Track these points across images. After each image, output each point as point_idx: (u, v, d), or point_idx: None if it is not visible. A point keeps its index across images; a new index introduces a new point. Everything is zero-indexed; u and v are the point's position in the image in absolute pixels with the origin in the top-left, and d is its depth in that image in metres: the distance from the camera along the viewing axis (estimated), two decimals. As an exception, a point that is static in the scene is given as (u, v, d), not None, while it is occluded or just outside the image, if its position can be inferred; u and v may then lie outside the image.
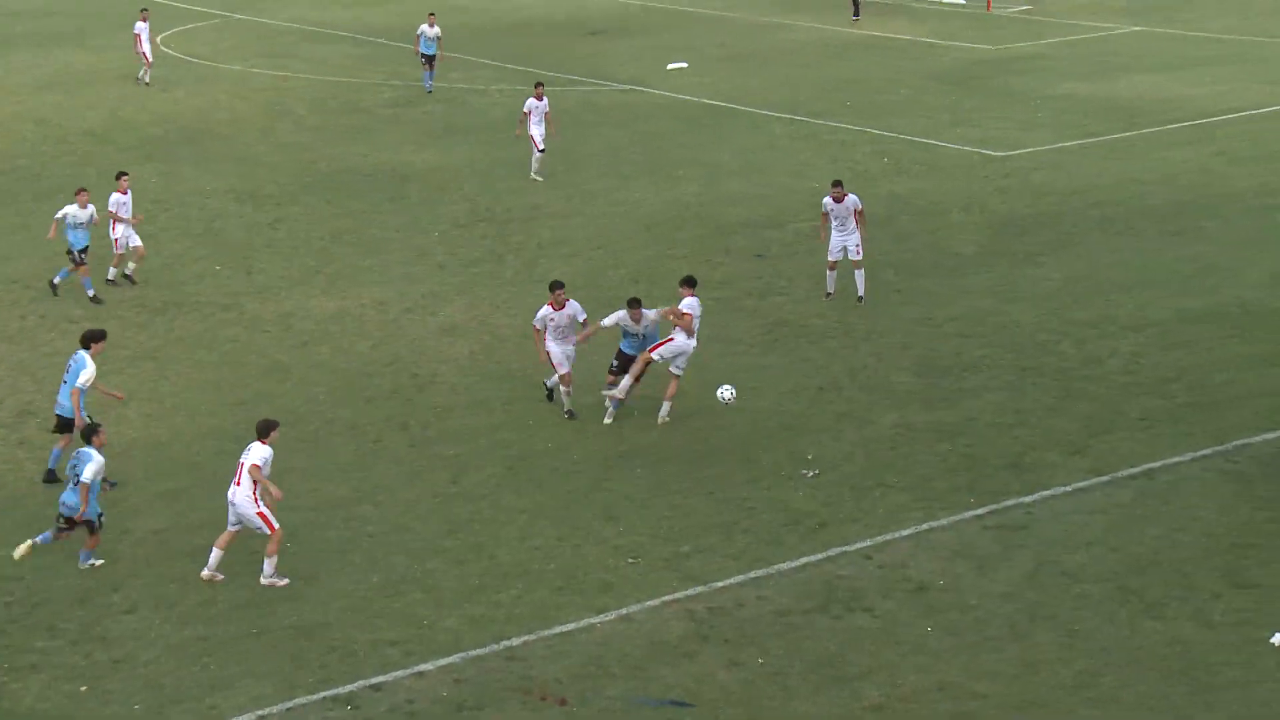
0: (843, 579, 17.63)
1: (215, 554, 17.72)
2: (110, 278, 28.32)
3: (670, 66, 49.24)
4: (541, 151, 35.27)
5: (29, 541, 17.98)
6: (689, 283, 22.59)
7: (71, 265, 27.52)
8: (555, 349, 22.13)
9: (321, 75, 47.86)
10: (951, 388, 23.09)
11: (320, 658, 16.27)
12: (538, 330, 22.24)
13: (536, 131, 35.18)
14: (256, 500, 17.41)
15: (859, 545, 18.40)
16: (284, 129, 41.07)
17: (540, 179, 35.21)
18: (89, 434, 17.98)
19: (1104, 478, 19.99)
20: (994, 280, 27.98)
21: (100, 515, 17.98)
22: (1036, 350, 24.49)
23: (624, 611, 17.06)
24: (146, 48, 46.21)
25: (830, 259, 26.96)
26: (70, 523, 17.83)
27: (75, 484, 17.66)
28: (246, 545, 18.15)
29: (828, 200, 26.93)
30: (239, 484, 17.47)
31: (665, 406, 22.03)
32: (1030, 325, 25.57)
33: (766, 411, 22.42)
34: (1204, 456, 20.50)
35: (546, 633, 16.68)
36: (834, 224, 26.87)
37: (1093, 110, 41.33)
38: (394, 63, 49.38)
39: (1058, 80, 45.53)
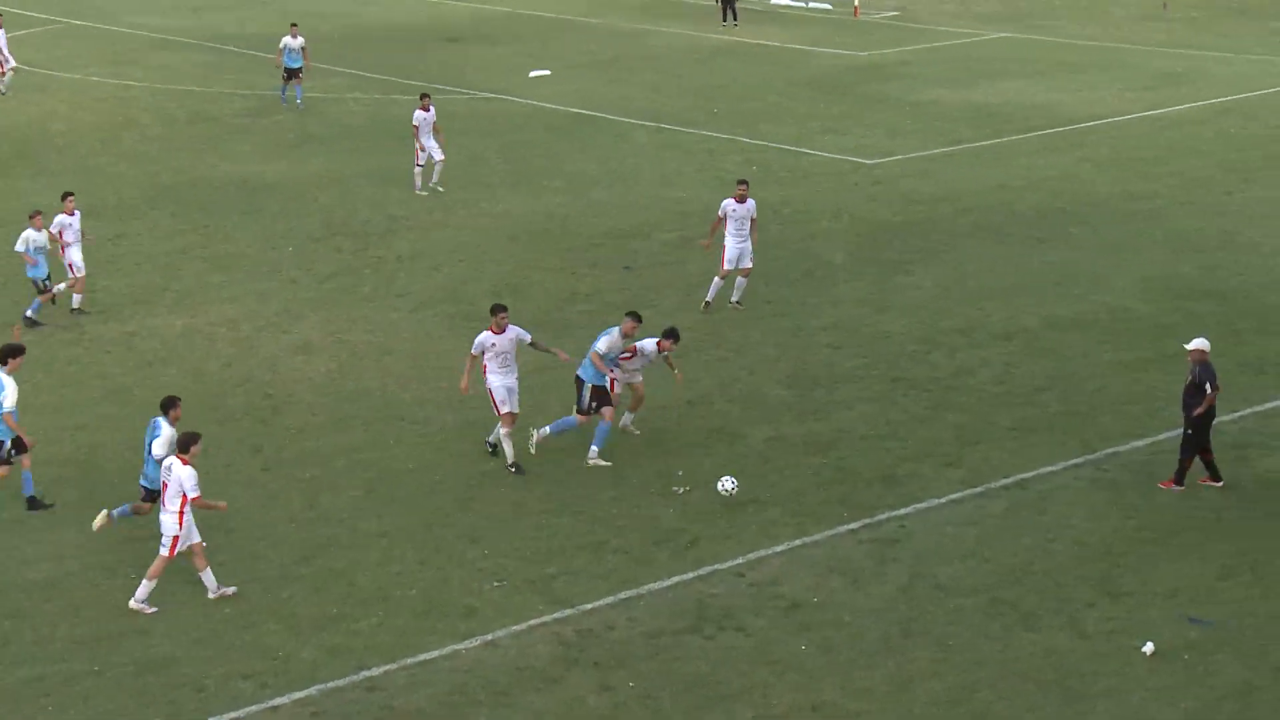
0: (714, 598, 17.62)
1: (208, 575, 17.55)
2: (75, 305, 27.31)
3: (533, 74, 49.15)
4: (441, 159, 35.02)
5: (105, 512, 18.52)
6: (669, 334, 21.33)
7: (41, 294, 26.63)
8: (498, 383, 20.54)
9: (167, 83, 47.01)
10: (823, 400, 23.24)
11: (168, 694, 15.86)
12: (474, 358, 20.60)
13: (429, 143, 34.83)
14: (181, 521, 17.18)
15: (731, 563, 18.41)
16: (128, 139, 40.25)
17: (442, 189, 34.96)
18: (167, 406, 18.33)
19: (977, 489, 20.23)
20: (865, 289, 28.26)
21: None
22: (908, 361, 24.75)
23: (489, 637, 16.89)
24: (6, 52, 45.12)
25: (725, 266, 26.84)
26: (153, 495, 18.37)
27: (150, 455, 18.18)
28: (74, 578, 17.64)
29: (729, 203, 26.83)
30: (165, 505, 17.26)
31: (629, 416, 21.62)
32: (901, 335, 25.85)
33: (635, 427, 22.35)
34: (1075, 465, 20.85)
35: (408, 661, 16.44)
36: (731, 228, 26.70)
37: (960, 116, 42.02)
38: (244, 71, 48.67)
39: (925, 86, 46.23)
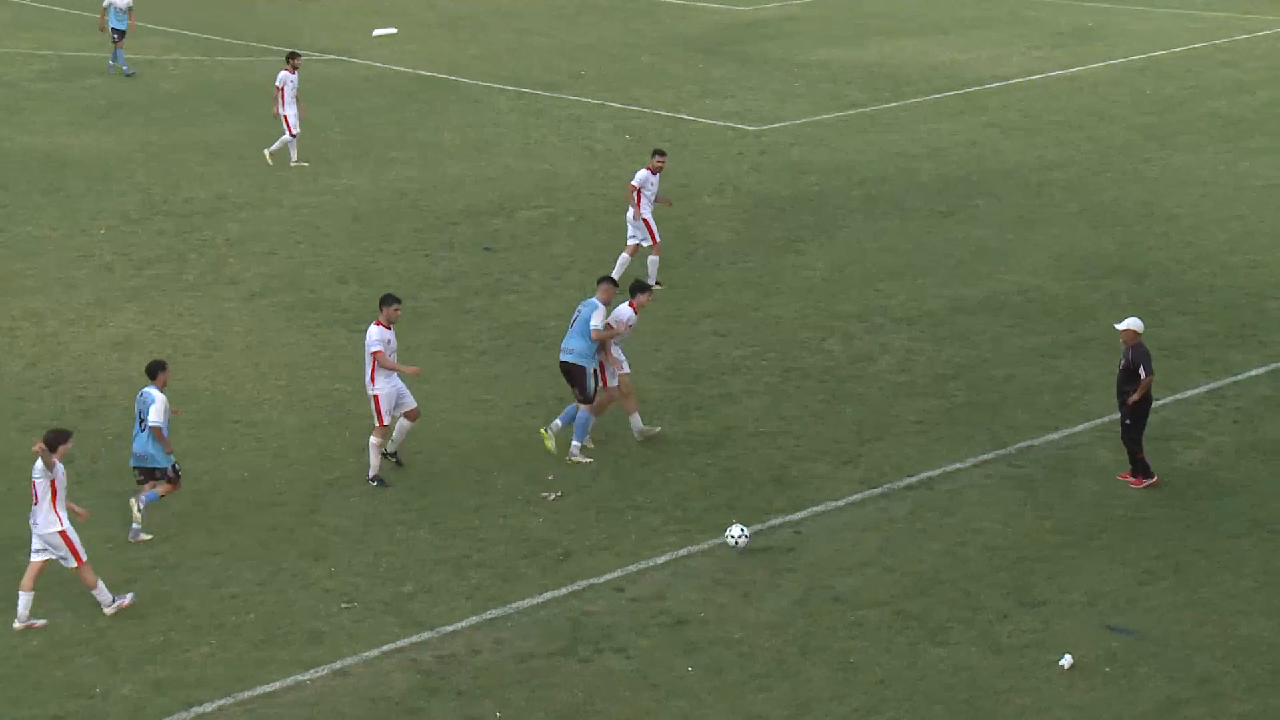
0: (591, 616, 17.67)
1: (24, 599, 17.49)
2: None
3: (377, 33, 48.83)
4: (295, 136, 34.68)
5: (133, 503, 19.50)
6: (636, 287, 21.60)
7: None
8: (386, 388, 20.36)
9: (-43, 43, 46.02)
10: (708, 394, 23.40)
11: (-30, 740, 15.58)
12: (378, 355, 20.17)
13: (291, 111, 34.47)
14: (60, 517, 17.42)
15: (609, 576, 18.48)
16: (-88, 108, 39.36)
17: (305, 165, 34.75)
18: (154, 371, 19.42)
19: (878, 489, 20.50)
20: (751, 271, 28.49)
21: (175, 464, 19.53)
22: (800, 349, 25.00)
23: (338, 665, 16.79)
24: None
25: (658, 240, 27.19)
26: (148, 473, 19.52)
27: (142, 428, 19.24)
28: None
29: (643, 174, 27.19)
30: (38, 502, 17.42)
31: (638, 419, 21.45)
32: (793, 321, 26.09)
33: (499, 428, 22.36)
34: (985, 461, 21.21)
35: (246, 695, 16.29)
36: (647, 201, 27.01)
37: (853, 78, 42.49)
38: (45, 29, 47.75)
39: (814, 45, 46.69)
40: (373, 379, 20.57)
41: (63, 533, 17.37)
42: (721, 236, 30.39)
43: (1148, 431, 20.46)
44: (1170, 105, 39.50)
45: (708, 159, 35.41)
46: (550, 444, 21.22)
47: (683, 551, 19.03)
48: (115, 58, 43.07)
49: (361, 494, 20.45)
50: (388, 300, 20.85)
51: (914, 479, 20.76)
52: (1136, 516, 19.61)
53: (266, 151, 35.19)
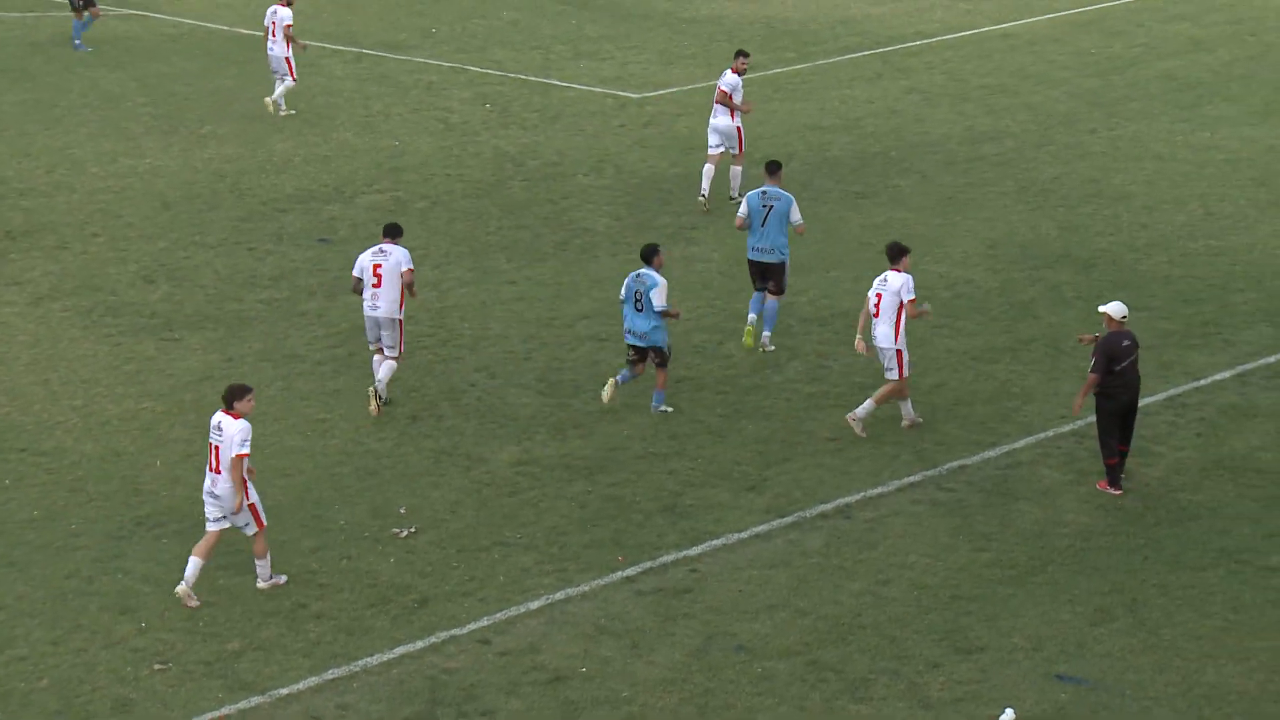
0: (452, 674, 17.68)
1: (194, 564, 18.89)
2: None
3: (187, -18, 48.48)
4: (295, 81, 36.42)
5: (611, 381, 23.02)
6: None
7: None
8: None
9: None
10: (586, 409, 23.47)
11: None
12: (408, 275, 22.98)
13: (290, 54, 36.17)
14: (247, 491, 18.81)
15: (472, 626, 18.49)
16: None
17: (294, 113, 36.16)
18: (649, 255, 23.00)
19: (787, 518, 20.67)
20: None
21: (668, 345, 23.01)
22: (694, 355, 25.15)
23: (152, 740, 16.70)
24: None
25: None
26: (641, 353, 23.08)
27: (639, 309, 22.63)
28: None
29: (734, 78, 30.86)
30: (219, 470, 18.70)
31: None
32: (686, 322, 26.23)
33: (339, 452, 22.31)
34: (911, 484, 21.45)
35: (42, 778, 16.15)
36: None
37: (751, 36, 42.78)
38: None
39: (705, -2, 46.92)
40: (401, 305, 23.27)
41: (253, 505, 19.00)
42: (600, 223, 30.48)
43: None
44: (1118, 66, 40.17)
45: (583, 132, 35.51)
46: (750, 340, 25.05)
47: (559, 595, 19.08)
48: (77, 31, 41.81)
49: (175, 534, 20.31)
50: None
51: (829, 506, 20.95)
52: (1086, 547, 19.93)
53: (267, 99, 36.55)
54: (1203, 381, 24.12)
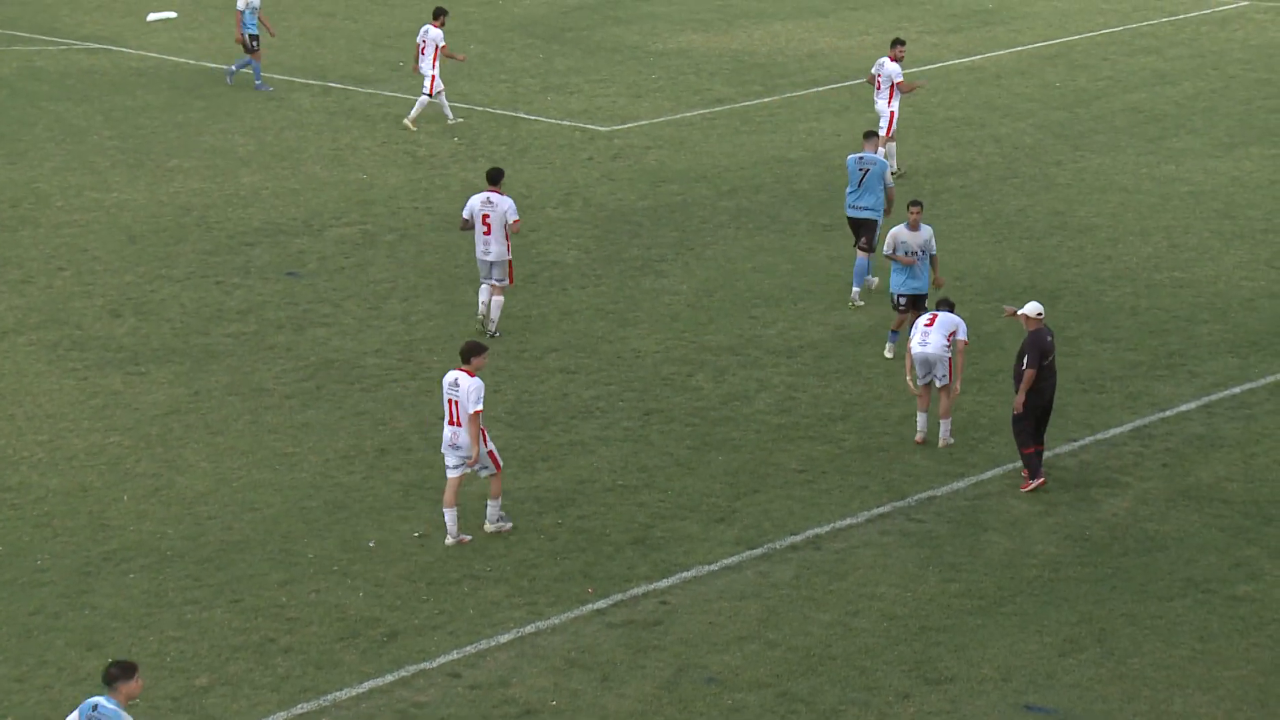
0: (422, 707, 17.66)
1: (451, 514, 20.68)
2: None
3: (152, 17, 48.47)
4: (431, 97, 37.75)
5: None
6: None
7: None
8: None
9: None
10: (556, 441, 23.48)
11: None
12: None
13: (432, 69, 37.44)
14: (485, 439, 20.73)
15: (442, 660, 18.47)
16: None
17: (415, 129, 37.24)
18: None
19: (757, 550, 20.70)
20: (605, 296, 28.65)
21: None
22: (663, 387, 25.18)
23: (120, 775, 16.59)
24: None
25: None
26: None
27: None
28: None
29: (894, 66, 34.38)
30: (458, 424, 20.55)
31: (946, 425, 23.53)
32: (654, 354, 26.28)
33: (308, 486, 22.28)
34: (881, 515, 21.50)
35: (10, 814, 16.09)
36: (898, 91, 34.36)
37: (719, 69, 42.92)
38: None
39: (673, 30, 47.09)
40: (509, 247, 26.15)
41: (490, 452, 20.83)
42: (569, 256, 30.53)
43: (1067, 477, 20.84)
44: (1084, 99, 40.38)
45: (552, 165, 35.57)
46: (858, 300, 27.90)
47: (530, 628, 19.07)
48: (247, 67, 41.38)
49: (142, 569, 20.26)
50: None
51: (798, 538, 20.99)
52: (1054, 577, 20.00)
53: (407, 120, 37.92)
54: (1168, 412, 24.24)
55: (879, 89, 34.35)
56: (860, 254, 28.18)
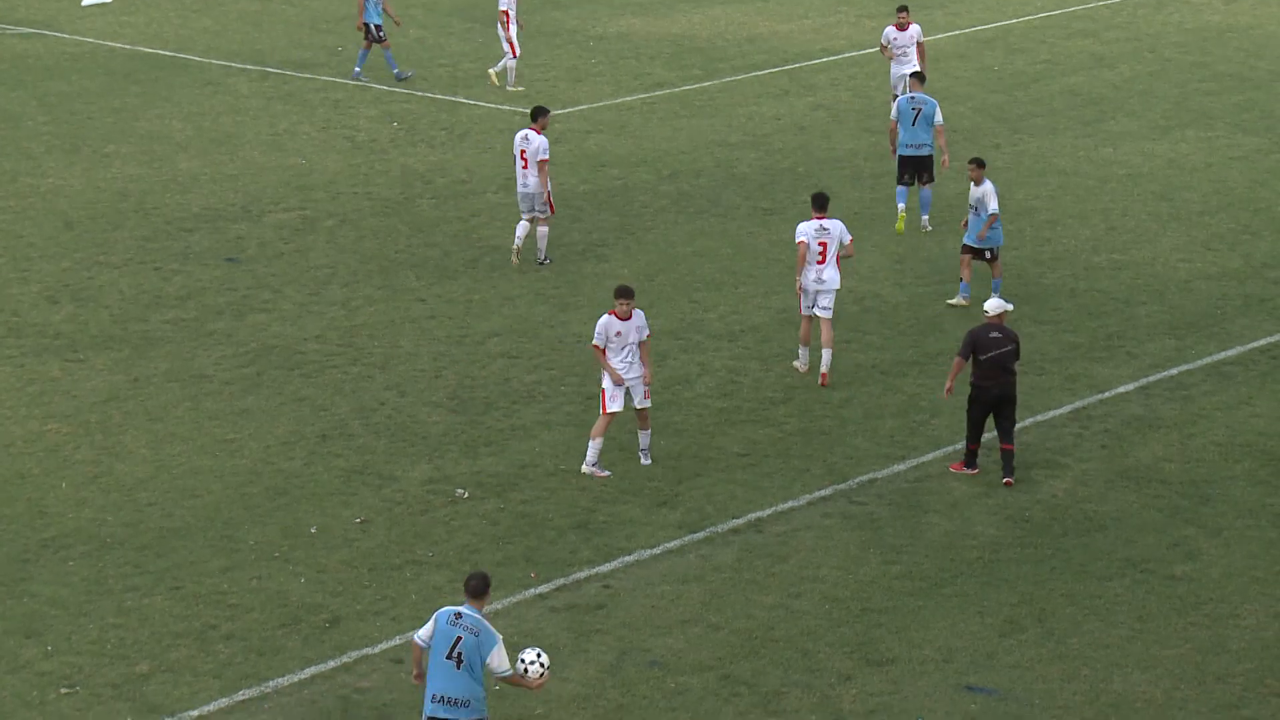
0: (364, 693, 17.64)
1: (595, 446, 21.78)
2: None
3: (87, 2, 48.15)
4: (517, 57, 39.50)
5: None
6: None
7: None
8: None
9: None
10: (498, 426, 23.48)
11: None
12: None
13: (514, 33, 39.21)
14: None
15: (384, 646, 18.46)
16: None
17: (521, 89, 38.32)
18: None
19: (699, 534, 20.75)
20: (546, 281, 28.65)
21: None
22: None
23: (61, 764, 16.58)
24: None
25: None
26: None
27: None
28: None
29: (890, 31, 35.86)
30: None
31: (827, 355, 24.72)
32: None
33: (249, 472, 22.21)
34: (822, 498, 21.59)
35: (-51, 804, 16.01)
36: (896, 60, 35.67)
37: (659, 53, 42.91)
38: None
39: (612, 14, 47.05)
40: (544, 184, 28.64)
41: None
42: (509, 241, 30.49)
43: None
44: (1021, 82, 40.55)
45: (491, 149, 35.50)
46: (901, 226, 29.96)
47: (472, 614, 19.07)
48: (391, 61, 40.85)
49: (82, 556, 20.17)
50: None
51: (740, 521, 21.05)
52: (994, 559, 20.12)
53: (491, 71, 39.80)
54: (1107, 394, 24.39)
55: (896, 59, 35.35)
56: (923, 187, 30.48)
